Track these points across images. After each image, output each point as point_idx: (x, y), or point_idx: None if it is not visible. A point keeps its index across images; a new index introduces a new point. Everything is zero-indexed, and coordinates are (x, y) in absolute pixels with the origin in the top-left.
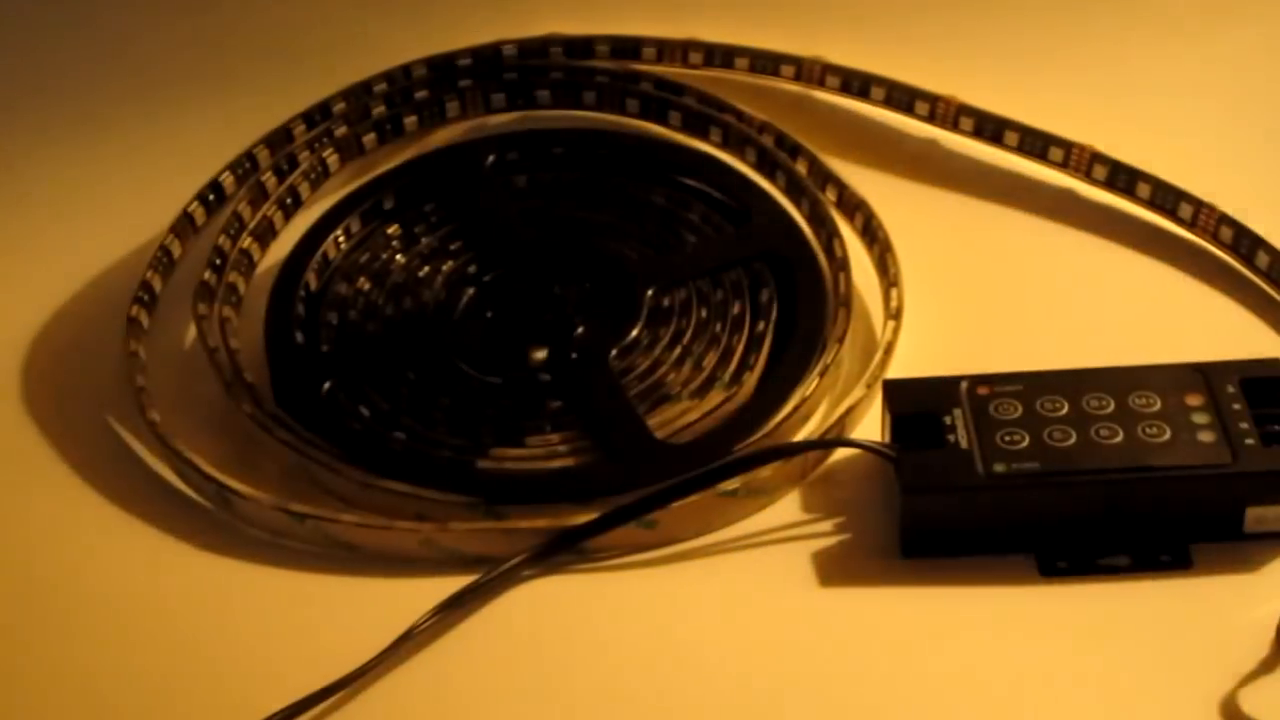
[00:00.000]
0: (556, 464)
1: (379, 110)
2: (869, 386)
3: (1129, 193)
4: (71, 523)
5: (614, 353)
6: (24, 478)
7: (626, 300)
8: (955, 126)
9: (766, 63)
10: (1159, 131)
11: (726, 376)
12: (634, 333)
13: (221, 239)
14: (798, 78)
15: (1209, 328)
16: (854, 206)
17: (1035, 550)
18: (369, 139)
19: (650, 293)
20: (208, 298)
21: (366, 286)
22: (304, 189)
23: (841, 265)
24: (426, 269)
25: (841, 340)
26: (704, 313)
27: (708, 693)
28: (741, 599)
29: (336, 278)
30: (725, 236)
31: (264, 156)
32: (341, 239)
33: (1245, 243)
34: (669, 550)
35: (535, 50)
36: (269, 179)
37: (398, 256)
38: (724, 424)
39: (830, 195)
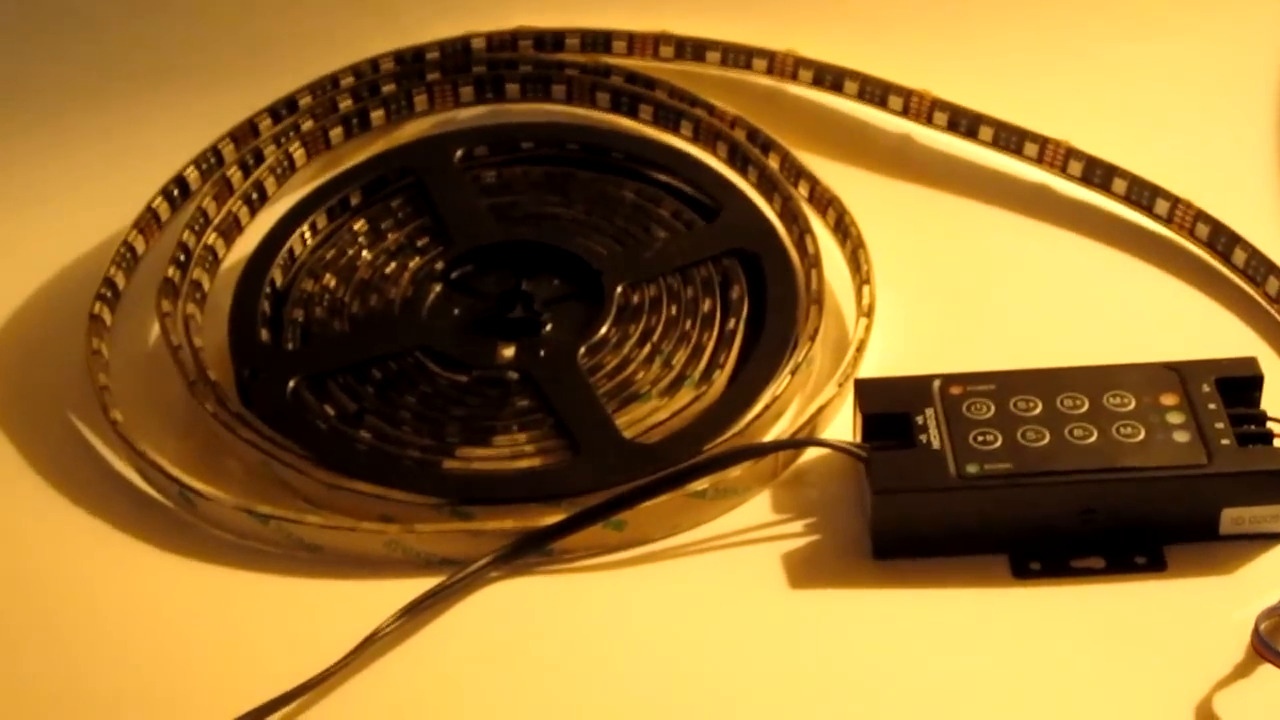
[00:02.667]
0: (524, 464)
1: (346, 104)
2: (840, 385)
3: (1105, 188)
4: (31, 523)
5: (582, 350)
6: None
7: (595, 297)
8: (929, 121)
9: (738, 56)
10: (1135, 126)
11: (696, 375)
12: (603, 330)
13: (186, 235)
14: (770, 72)
15: (1185, 326)
16: (826, 202)
17: (1008, 552)
18: (335, 133)
19: (620, 289)
20: (172, 294)
21: (332, 283)
22: (270, 184)
23: (813, 262)
24: (393, 265)
25: (813, 338)
26: (674, 310)
27: (677, 695)
28: (711, 601)
29: (302, 274)
30: (696, 232)
31: (229, 151)
32: (307, 235)
33: (1222, 239)
34: (637, 551)
35: (504, 44)
36: (234, 174)
37: (364, 253)
38: (694, 423)
39: (802, 191)
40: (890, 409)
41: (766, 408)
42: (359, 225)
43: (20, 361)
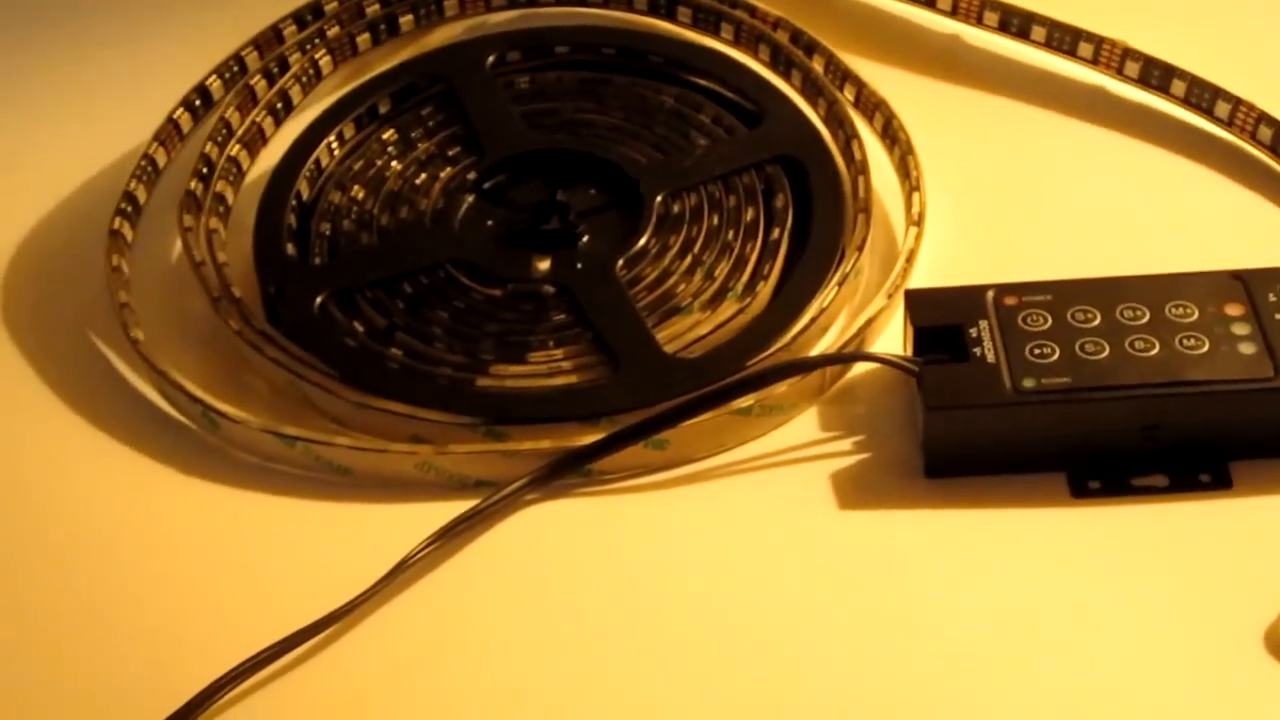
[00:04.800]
0: (560, 381)
1: (373, 9)
2: (890, 297)
3: (1163, 90)
4: (51, 445)
5: (621, 262)
6: (2, 398)
7: (634, 207)
8: (980, 21)
9: None
10: (1195, 24)
11: (739, 287)
12: (642, 241)
13: (208, 147)
14: None
15: (1248, 233)
16: (873, 106)
17: (1066, 470)
18: (363, 39)
19: (659, 199)
20: (194, 209)
21: (361, 195)
22: (295, 93)
23: (860, 169)
24: (424, 176)
25: (861, 248)
26: (715, 220)
27: (721, 619)
28: (756, 522)
29: (329, 186)
30: (738, 139)
31: (253, 60)
32: (335, 146)
33: None
34: (680, 471)
35: None
36: (258, 83)
37: (393, 163)
38: (737, 337)
39: (848, 95)
40: (942, 321)
41: (813, 321)
42: (388, 135)
43: (39, 279)
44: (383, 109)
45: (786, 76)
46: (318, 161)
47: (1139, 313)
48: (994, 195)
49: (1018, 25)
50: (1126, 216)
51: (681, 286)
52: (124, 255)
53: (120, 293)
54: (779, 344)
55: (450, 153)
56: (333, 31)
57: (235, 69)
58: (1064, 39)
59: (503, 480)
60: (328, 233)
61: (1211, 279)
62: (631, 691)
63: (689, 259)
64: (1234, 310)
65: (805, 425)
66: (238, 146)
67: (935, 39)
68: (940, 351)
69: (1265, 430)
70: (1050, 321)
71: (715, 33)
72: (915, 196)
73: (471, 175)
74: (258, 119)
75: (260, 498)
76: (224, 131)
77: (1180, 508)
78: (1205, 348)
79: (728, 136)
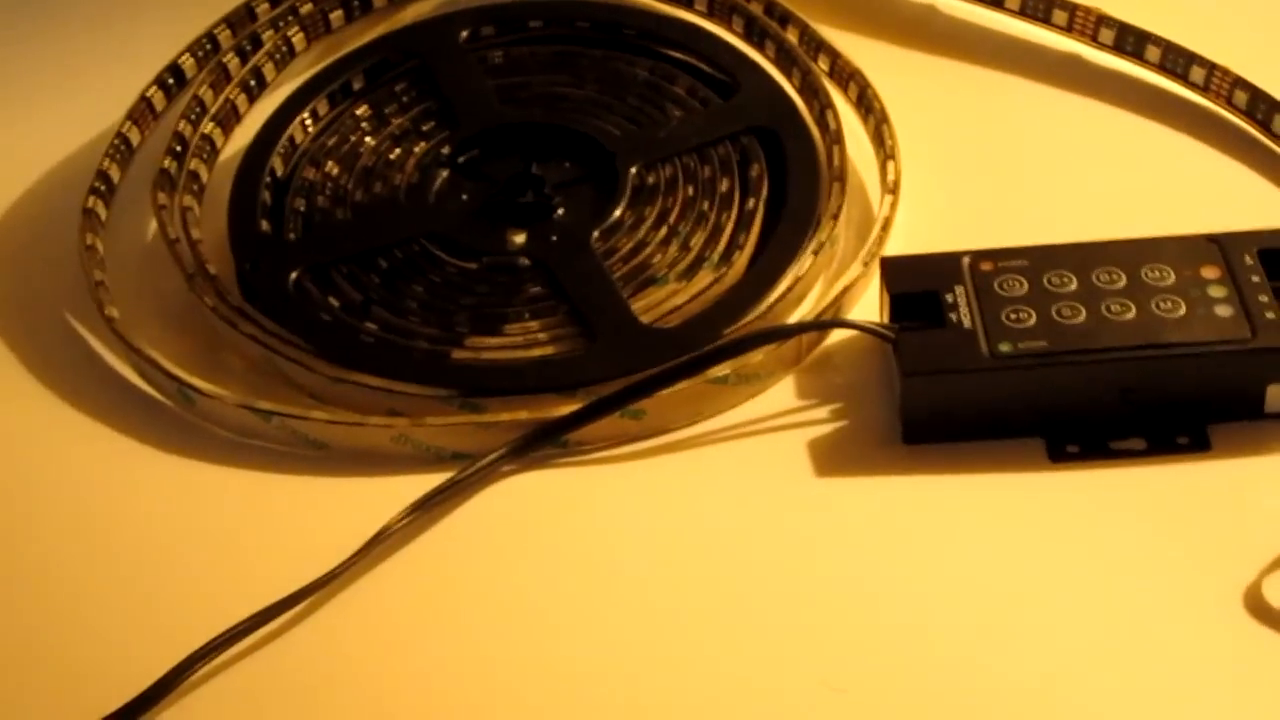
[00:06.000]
0: (536, 353)
1: None
2: (866, 265)
3: (1137, 56)
4: (27, 423)
5: (596, 234)
6: None
7: (609, 179)
8: None
9: None
10: None
11: (715, 257)
12: (617, 213)
13: (182, 125)
14: None
15: (1224, 197)
16: (848, 76)
17: (1044, 434)
18: (336, 16)
19: (634, 170)
20: (168, 187)
21: (335, 171)
22: (268, 70)
23: (835, 138)
24: (398, 151)
25: (836, 216)
26: (690, 190)
27: (699, 588)
28: (734, 491)
29: (304, 163)
30: (712, 110)
31: (225, 37)
32: (308, 122)
33: (1262, 107)
34: (657, 441)
35: None
36: (231, 60)
37: (367, 139)
38: (713, 307)
39: (823, 65)
40: (918, 288)
41: (789, 289)
42: (362, 111)
43: (13, 259)
44: (356, 85)
45: (760, 47)
46: (292, 138)
47: (1115, 277)
48: (969, 163)
49: None
50: (1102, 183)
51: (657, 257)
52: (98, 234)
53: (95, 271)
54: (755, 313)
55: (424, 128)
56: (305, 8)
57: (208, 47)
58: (1038, 6)
59: (479, 452)
60: (302, 209)
61: (1187, 242)
62: (610, 662)
63: (664, 230)
64: (1210, 273)
65: (782, 394)
66: (211, 124)
67: (910, 8)
68: (917, 318)
69: (1242, 392)
70: (1026, 287)
71: (689, 5)
72: (890, 165)
73: (446, 150)
74: (231, 96)
75: (236, 473)
76: (197, 109)
77: (1159, 471)
78: (1182, 311)
79: (702, 108)
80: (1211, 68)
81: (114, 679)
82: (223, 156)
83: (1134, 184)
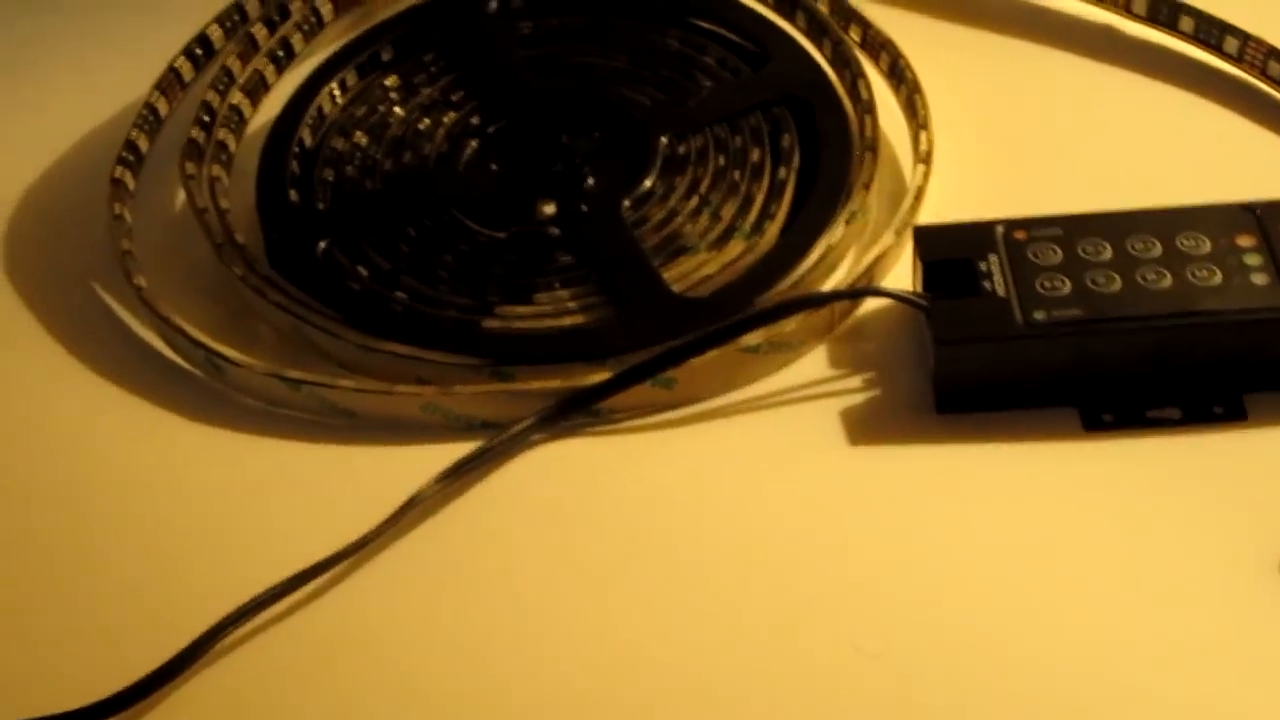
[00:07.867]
0: (567, 322)
1: None
2: (898, 234)
3: (1171, 27)
4: (56, 393)
5: (627, 204)
6: (5, 347)
7: (639, 149)
8: None
9: None
10: None
11: (747, 226)
12: (648, 183)
13: (210, 95)
14: None
15: (1259, 166)
16: (879, 46)
17: (1079, 403)
18: None
19: (664, 140)
20: (196, 157)
21: (364, 141)
22: (297, 41)
23: (867, 108)
24: (427, 121)
25: (868, 186)
26: (721, 160)
27: (731, 558)
28: (766, 460)
29: (332, 133)
30: (743, 80)
31: (253, 7)
32: (337, 93)
33: None
34: (688, 410)
35: None
36: (259, 31)
37: (396, 109)
38: (745, 276)
39: (854, 35)
40: (951, 256)
41: (821, 258)
42: (391, 81)
43: (42, 229)
44: (385, 56)
45: (791, 17)
46: (320, 109)
47: (1150, 245)
48: (1002, 134)
49: None
50: (1135, 153)
51: (688, 227)
52: (126, 204)
53: (123, 241)
54: (787, 282)
55: (454, 98)
56: None
57: (236, 17)
58: None
59: (508, 421)
60: (331, 179)
61: (1223, 211)
62: (641, 630)
63: (695, 200)
64: (1246, 241)
65: (814, 363)
66: (239, 94)
67: None
68: (950, 286)
69: (1278, 361)
70: (1060, 255)
71: None
72: (923, 135)
73: (475, 120)
74: (259, 66)
75: (265, 442)
76: (225, 79)
77: (1194, 440)
78: (1218, 279)
79: (733, 78)
80: (1245, 38)
81: (147, 644)
82: (251, 128)
83: (1167, 154)
